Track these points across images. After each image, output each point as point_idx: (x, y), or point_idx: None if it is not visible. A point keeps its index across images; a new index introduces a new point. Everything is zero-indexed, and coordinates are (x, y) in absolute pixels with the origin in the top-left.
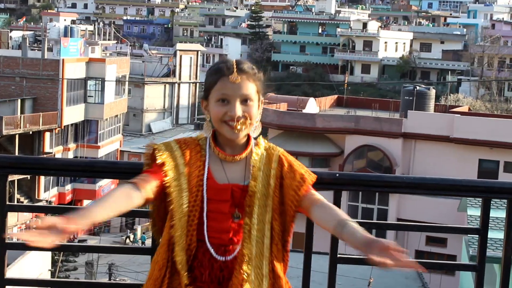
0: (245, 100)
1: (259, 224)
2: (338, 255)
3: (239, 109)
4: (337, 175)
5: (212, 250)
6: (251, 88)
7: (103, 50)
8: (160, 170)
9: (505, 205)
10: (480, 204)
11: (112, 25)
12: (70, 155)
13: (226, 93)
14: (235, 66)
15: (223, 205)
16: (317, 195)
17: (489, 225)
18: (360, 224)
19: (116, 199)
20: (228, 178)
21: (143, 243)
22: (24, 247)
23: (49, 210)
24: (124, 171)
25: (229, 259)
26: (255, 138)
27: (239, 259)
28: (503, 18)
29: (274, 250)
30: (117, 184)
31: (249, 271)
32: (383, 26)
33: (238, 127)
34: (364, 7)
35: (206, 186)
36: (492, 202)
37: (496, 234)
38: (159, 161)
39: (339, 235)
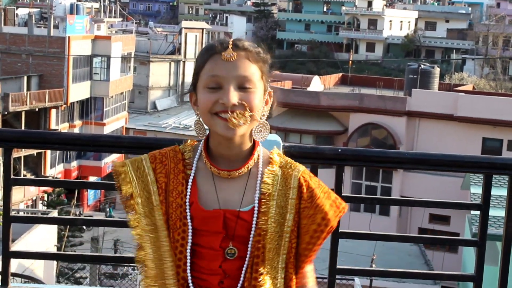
0: (243, 85)
1: (270, 273)
2: (340, 230)
3: (234, 95)
4: (339, 150)
5: None
6: (251, 69)
7: (109, 28)
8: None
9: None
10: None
11: (118, 2)
12: (76, 132)
13: (218, 74)
14: (230, 42)
15: (213, 238)
16: (310, 271)
17: (492, 203)
18: (364, 199)
19: None
20: (219, 202)
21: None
22: (28, 220)
23: (51, 184)
24: (128, 145)
25: None
26: (262, 142)
27: None
28: None
29: None
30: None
31: None
32: (388, 4)
33: (234, 120)
34: None
35: (189, 214)
36: (495, 180)
37: (499, 212)
38: (125, 193)
39: None
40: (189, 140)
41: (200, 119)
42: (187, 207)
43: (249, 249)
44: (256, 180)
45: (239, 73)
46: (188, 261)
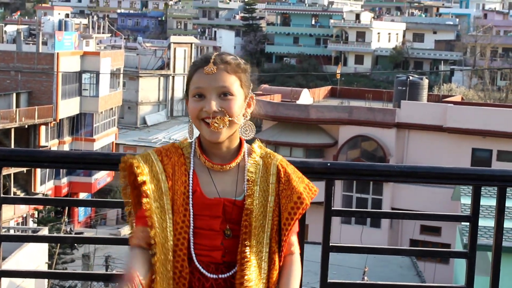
0: (223, 94)
1: (256, 246)
2: (331, 244)
3: (214, 104)
4: (329, 164)
5: (200, 267)
6: (230, 80)
7: (98, 44)
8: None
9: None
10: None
11: (106, 18)
12: (66, 148)
13: (201, 86)
14: (212, 57)
15: (214, 222)
16: (294, 240)
17: (484, 213)
18: (355, 212)
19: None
20: (218, 192)
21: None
22: (18, 239)
23: (42, 202)
24: (117, 162)
25: (222, 277)
26: (248, 142)
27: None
28: (495, 8)
29: (272, 272)
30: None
31: None
32: (376, 17)
33: (216, 124)
34: None
35: (192, 201)
36: (486, 190)
37: (490, 222)
38: (140, 180)
39: None
40: (183, 139)
41: (192, 123)
42: (190, 194)
43: (241, 228)
44: (244, 172)
45: (218, 84)
46: (191, 241)
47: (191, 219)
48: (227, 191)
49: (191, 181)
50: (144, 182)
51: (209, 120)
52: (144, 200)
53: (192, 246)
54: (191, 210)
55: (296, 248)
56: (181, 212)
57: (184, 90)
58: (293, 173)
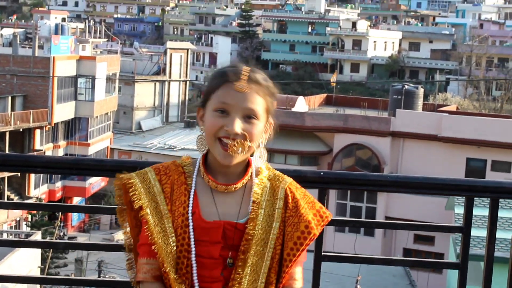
0: (248, 116)
1: (251, 275)
2: (323, 253)
3: (238, 125)
4: (322, 173)
5: None
6: (259, 102)
7: (94, 48)
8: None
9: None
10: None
11: (103, 23)
12: (61, 153)
13: (227, 102)
14: (244, 73)
15: (213, 248)
16: (297, 272)
17: (477, 223)
18: (348, 222)
19: None
20: (219, 214)
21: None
22: (11, 244)
23: (34, 207)
24: (110, 169)
25: None
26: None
27: None
28: (491, 18)
29: None
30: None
31: None
32: (372, 25)
33: (234, 147)
34: (353, 6)
35: (192, 224)
36: (480, 200)
37: (484, 233)
38: (136, 203)
39: None
40: (184, 156)
41: (204, 135)
42: (190, 216)
43: (238, 253)
44: (250, 193)
45: (247, 105)
46: (195, 271)
47: (192, 243)
48: (229, 213)
49: (191, 201)
50: (141, 207)
51: (227, 140)
52: (146, 227)
53: (195, 278)
54: (192, 233)
55: (297, 283)
56: (180, 235)
57: (202, 98)
58: (302, 198)
